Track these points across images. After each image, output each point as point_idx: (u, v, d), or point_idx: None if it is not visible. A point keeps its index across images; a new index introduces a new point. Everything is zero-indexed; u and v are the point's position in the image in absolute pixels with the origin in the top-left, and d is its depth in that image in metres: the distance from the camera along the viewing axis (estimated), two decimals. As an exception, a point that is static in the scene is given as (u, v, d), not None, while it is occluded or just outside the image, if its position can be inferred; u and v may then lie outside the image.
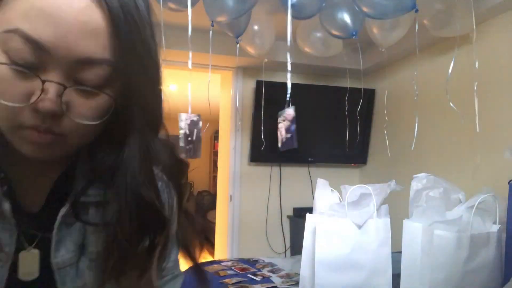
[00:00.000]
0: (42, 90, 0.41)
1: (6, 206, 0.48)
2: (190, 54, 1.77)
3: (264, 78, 2.69)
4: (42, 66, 0.41)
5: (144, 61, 0.47)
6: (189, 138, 1.81)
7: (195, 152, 1.83)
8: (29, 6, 0.40)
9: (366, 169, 3.35)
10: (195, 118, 1.86)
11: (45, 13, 0.39)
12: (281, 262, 2.09)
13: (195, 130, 1.84)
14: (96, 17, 0.42)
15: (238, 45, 2.06)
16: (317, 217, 1.12)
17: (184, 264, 0.65)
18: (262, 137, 2.38)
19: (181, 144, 1.79)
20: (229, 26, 1.96)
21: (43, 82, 0.41)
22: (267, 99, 2.51)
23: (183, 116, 1.84)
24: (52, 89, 0.41)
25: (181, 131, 1.81)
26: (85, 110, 0.44)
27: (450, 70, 1.73)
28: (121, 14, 0.43)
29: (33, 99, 0.41)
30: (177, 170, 0.60)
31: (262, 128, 2.41)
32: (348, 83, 2.71)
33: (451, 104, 1.76)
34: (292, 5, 1.64)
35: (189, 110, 1.74)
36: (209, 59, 1.92)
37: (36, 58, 0.41)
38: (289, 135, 1.84)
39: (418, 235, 1.10)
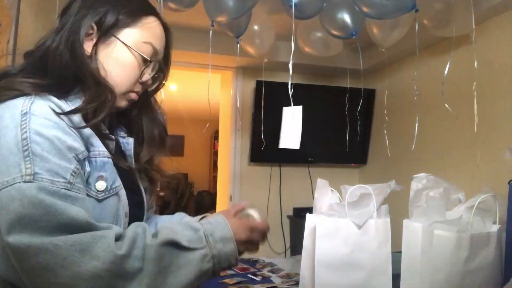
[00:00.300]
0: (150, 74, 0.84)
1: (113, 144, 0.80)
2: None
3: (264, 78, 2.69)
4: (150, 62, 0.82)
5: (170, 59, 0.92)
6: None
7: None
8: (155, 32, 0.83)
9: (366, 169, 3.35)
10: None
11: (160, 37, 0.84)
12: (281, 262, 2.09)
13: None
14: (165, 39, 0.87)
15: (238, 45, 2.06)
16: (317, 217, 1.12)
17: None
18: (262, 137, 2.38)
19: None
20: (229, 26, 1.96)
21: (159, 68, 0.86)
22: (267, 99, 2.51)
23: None
24: (152, 73, 0.85)
25: None
26: (152, 84, 0.88)
27: (446, 72, 1.73)
28: (169, 37, 0.89)
29: (145, 77, 0.83)
30: None
31: (262, 128, 2.41)
32: (348, 83, 2.70)
33: (446, 106, 1.76)
34: (293, 5, 1.64)
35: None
36: (209, 59, 1.92)
37: (151, 58, 0.82)
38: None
39: (418, 235, 1.09)
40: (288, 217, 3.20)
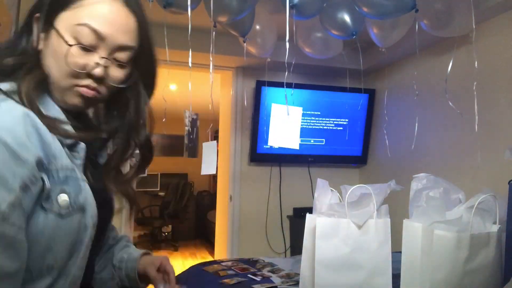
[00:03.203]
0: (97, 63, 0.68)
1: (83, 145, 0.70)
2: (190, 53, 1.77)
3: (265, 78, 2.69)
4: (97, 48, 0.68)
5: (152, 48, 0.76)
6: (191, 136, 1.83)
7: (194, 151, 1.85)
8: (94, 11, 0.67)
9: (366, 169, 3.36)
10: (194, 117, 1.88)
11: (104, 16, 0.67)
12: (281, 262, 2.09)
13: (195, 129, 1.85)
14: (130, 21, 0.71)
15: (245, 44, 2.04)
16: (317, 217, 1.12)
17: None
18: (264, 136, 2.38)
19: (185, 141, 1.79)
20: (234, 26, 1.95)
21: (101, 58, 0.68)
22: (267, 99, 2.51)
23: (187, 113, 1.85)
24: (102, 62, 0.68)
25: (186, 128, 1.81)
26: (117, 77, 0.72)
27: (449, 70, 1.73)
28: (142, 19, 0.73)
29: (89, 67, 0.67)
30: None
31: (265, 128, 2.41)
32: (348, 83, 2.70)
33: (450, 104, 1.76)
34: (293, 5, 1.64)
35: (190, 108, 1.74)
36: (211, 59, 1.92)
37: (96, 43, 0.68)
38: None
39: (418, 235, 1.09)
40: (288, 217, 3.20)
